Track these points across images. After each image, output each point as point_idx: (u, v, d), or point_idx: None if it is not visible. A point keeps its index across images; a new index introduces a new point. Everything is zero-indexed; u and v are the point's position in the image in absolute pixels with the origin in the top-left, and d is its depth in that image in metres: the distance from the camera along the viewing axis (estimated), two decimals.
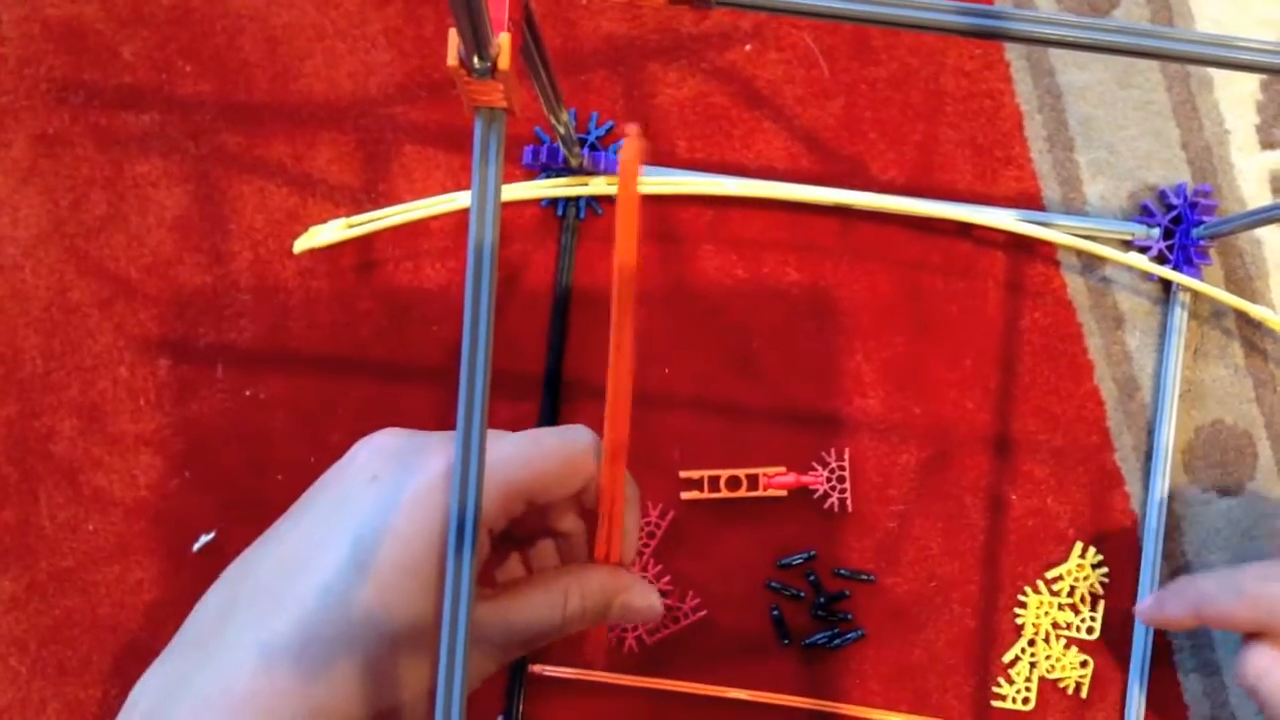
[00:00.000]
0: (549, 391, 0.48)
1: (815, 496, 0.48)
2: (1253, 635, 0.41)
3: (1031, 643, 0.48)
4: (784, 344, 0.49)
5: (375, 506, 0.32)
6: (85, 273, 0.49)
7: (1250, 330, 0.50)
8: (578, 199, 0.49)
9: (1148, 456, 0.49)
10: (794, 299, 0.49)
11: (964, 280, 0.49)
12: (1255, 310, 0.48)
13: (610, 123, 0.49)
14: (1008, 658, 0.48)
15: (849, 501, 0.48)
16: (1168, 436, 0.48)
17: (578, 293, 0.49)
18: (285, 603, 0.31)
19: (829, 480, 0.48)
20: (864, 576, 0.48)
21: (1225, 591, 0.41)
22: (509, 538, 0.37)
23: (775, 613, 0.48)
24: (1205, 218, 0.49)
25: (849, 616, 0.48)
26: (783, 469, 0.47)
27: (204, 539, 0.48)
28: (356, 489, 0.33)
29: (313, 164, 0.49)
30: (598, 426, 0.49)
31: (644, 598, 0.36)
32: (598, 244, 0.49)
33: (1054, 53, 0.50)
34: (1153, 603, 0.45)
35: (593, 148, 0.49)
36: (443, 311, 0.49)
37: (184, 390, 0.49)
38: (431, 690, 0.33)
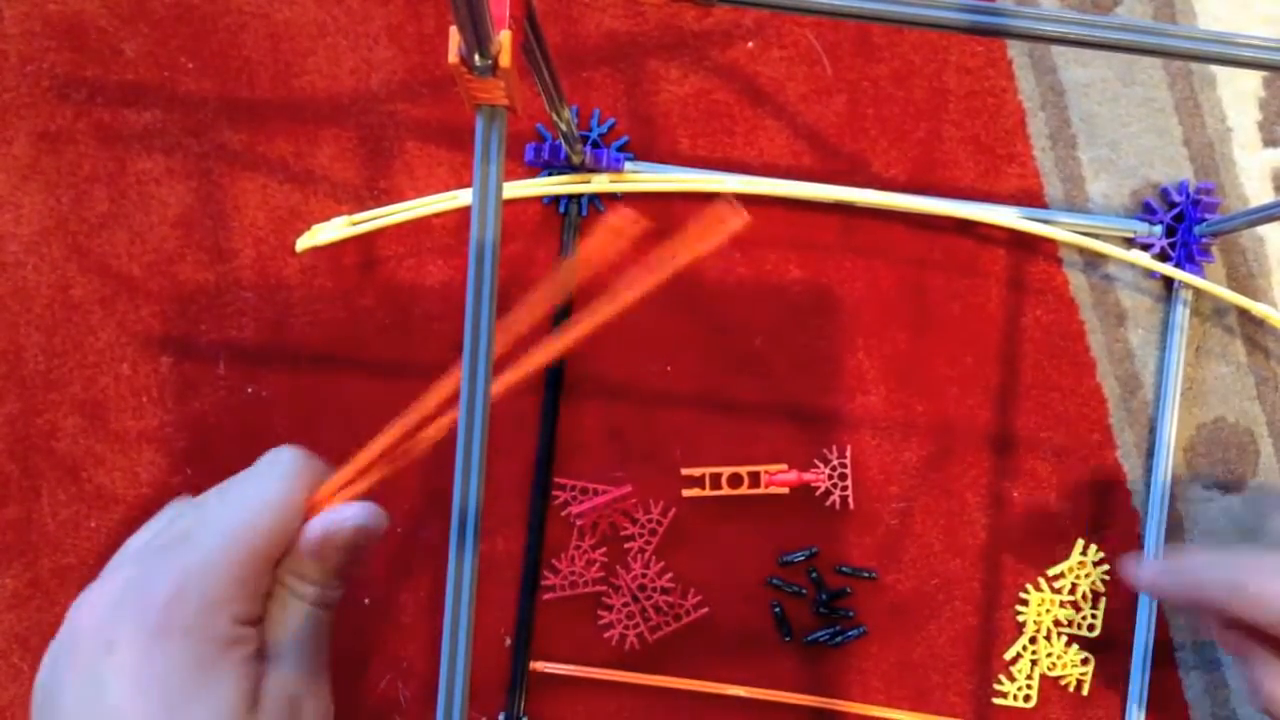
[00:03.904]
0: (550, 389, 0.48)
1: (817, 494, 0.48)
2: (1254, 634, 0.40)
3: (1033, 640, 0.48)
4: (786, 341, 0.49)
5: (120, 670, 0.30)
6: (87, 270, 0.49)
7: (1252, 328, 0.49)
8: (579, 196, 0.49)
9: (1149, 454, 0.49)
10: (796, 296, 0.49)
11: (966, 278, 0.49)
12: (1257, 308, 0.48)
13: (612, 120, 0.49)
14: (1009, 655, 0.48)
15: (850, 499, 0.48)
16: (1169, 434, 0.48)
17: (579, 290, 0.49)
18: None
19: (830, 477, 0.48)
20: (865, 574, 0.48)
21: (1227, 588, 0.38)
22: None
23: (777, 610, 0.48)
24: (1207, 215, 0.49)
25: (850, 614, 0.48)
26: (784, 466, 0.47)
27: None
28: (97, 662, 0.30)
29: (314, 161, 0.49)
30: (601, 420, 0.49)
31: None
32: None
33: (1056, 50, 0.50)
34: (1150, 577, 0.42)
35: (595, 145, 0.49)
36: (445, 309, 0.49)
37: (186, 387, 0.49)
38: None
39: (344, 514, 0.33)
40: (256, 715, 0.31)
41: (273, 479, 0.33)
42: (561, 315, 0.48)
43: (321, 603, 0.34)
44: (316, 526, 0.33)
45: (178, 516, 0.34)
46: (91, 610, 0.32)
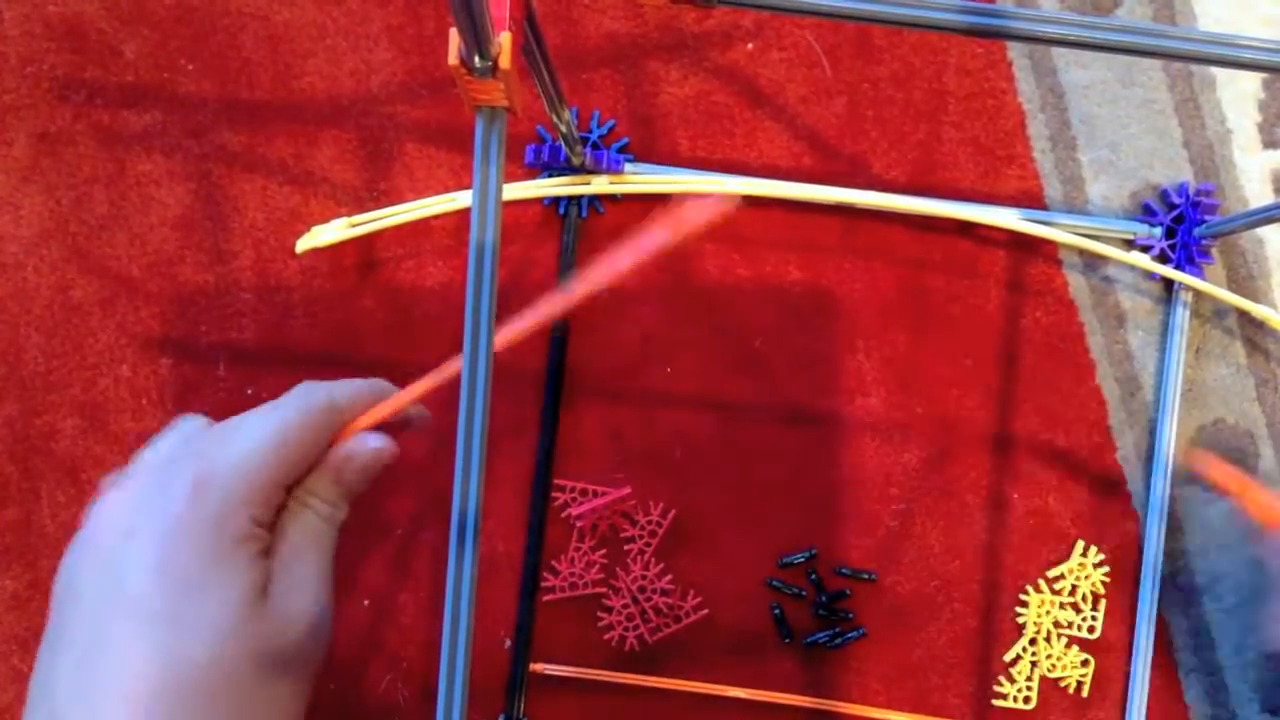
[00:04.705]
0: (550, 390, 0.48)
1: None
2: None
3: (1033, 642, 0.48)
4: (786, 343, 0.49)
5: (139, 557, 0.32)
6: (87, 271, 0.49)
7: (1252, 329, 0.49)
8: (579, 198, 0.49)
9: (1149, 456, 0.49)
10: (796, 298, 0.49)
11: (966, 279, 0.49)
12: (1257, 309, 0.48)
13: (612, 121, 0.49)
14: (1009, 657, 0.48)
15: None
16: (1169, 436, 0.48)
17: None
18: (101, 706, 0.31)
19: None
20: (865, 575, 0.48)
21: None
22: None
23: (776, 611, 0.48)
24: (1207, 217, 0.49)
25: (850, 615, 0.48)
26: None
27: None
28: (116, 549, 0.33)
29: (314, 163, 0.49)
30: (601, 422, 0.49)
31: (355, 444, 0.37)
32: (599, 243, 0.49)
33: (1056, 51, 0.50)
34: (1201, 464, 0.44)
35: (594, 146, 0.49)
36: (444, 311, 0.49)
37: (186, 389, 0.49)
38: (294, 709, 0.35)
39: (365, 439, 0.37)
40: (265, 602, 0.33)
41: (292, 408, 0.36)
42: (561, 324, 0.48)
43: (331, 520, 0.37)
44: (341, 449, 0.37)
45: (194, 436, 0.37)
46: (114, 506, 0.34)
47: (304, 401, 0.36)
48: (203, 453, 0.35)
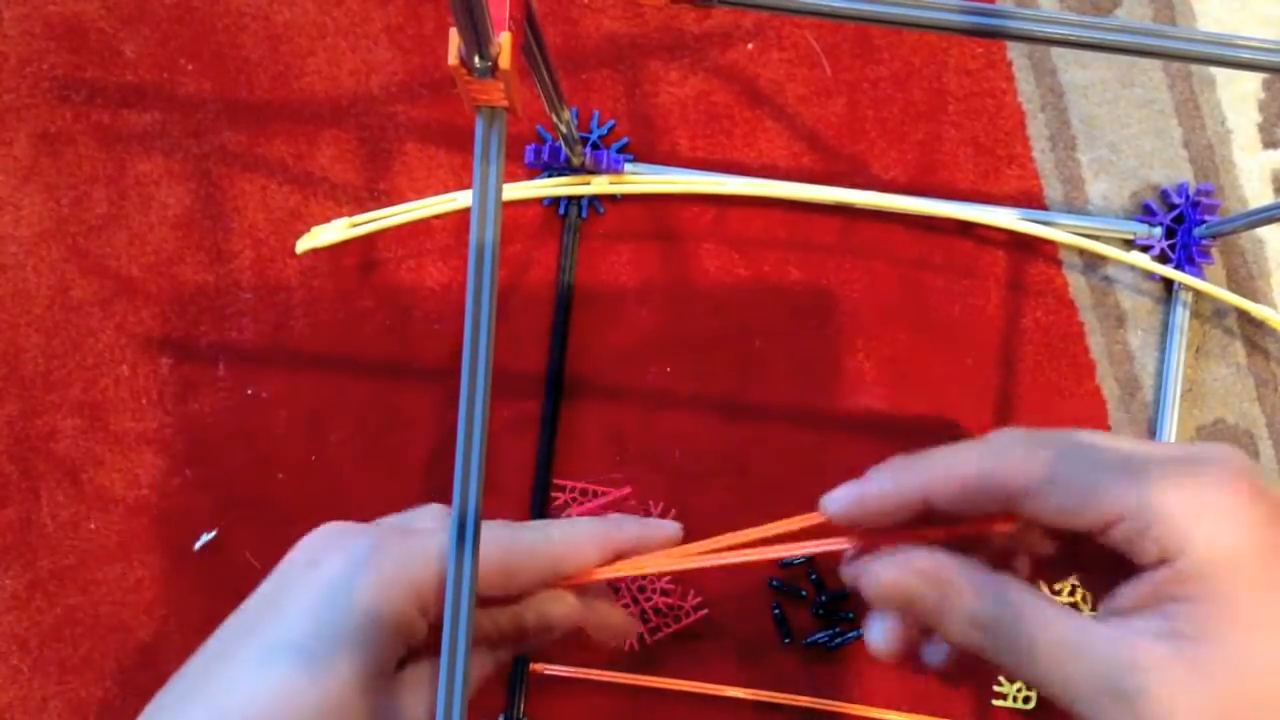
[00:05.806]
0: (551, 391, 0.48)
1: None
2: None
3: None
4: (785, 343, 0.49)
5: (306, 599, 0.32)
6: (87, 271, 0.49)
7: (1252, 329, 0.49)
8: (579, 198, 0.49)
9: None
10: (795, 298, 0.49)
11: (966, 279, 0.49)
12: (1257, 309, 0.48)
13: (612, 121, 0.49)
14: None
15: None
16: (1169, 435, 0.48)
17: (579, 292, 0.49)
18: (285, 614, 0.32)
19: None
20: None
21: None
22: None
23: (777, 611, 0.48)
24: (1207, 217, 0.49)
25: (850, 615, 0.48)
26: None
27: (205, 538, 0.48)
28: (294, 571, 0.33)
29: (314, 163, 0.49)
30: (601, 422, 0.49)
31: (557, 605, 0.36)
32: (599, 243, 0.49)
33: (1056, 52, 0.50)
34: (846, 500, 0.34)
35: (594, 146, 0.49)
36: (444, 311, 0.49)
37: (185, 389, 0.49)
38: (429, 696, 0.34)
39: (572, 611, 0.35)
40: (390, 682, 0.33)
41: (524, 543, 0.34)
42: (561, 324, 0.48)
43: (497, 660, 0.37)
44: (550, 607, 0.35)
45: (433, 522, 0.35)
46: (341, 544, 0.33)
47: (535, 540, 0.34)
48: (434, 544, 0.33)
